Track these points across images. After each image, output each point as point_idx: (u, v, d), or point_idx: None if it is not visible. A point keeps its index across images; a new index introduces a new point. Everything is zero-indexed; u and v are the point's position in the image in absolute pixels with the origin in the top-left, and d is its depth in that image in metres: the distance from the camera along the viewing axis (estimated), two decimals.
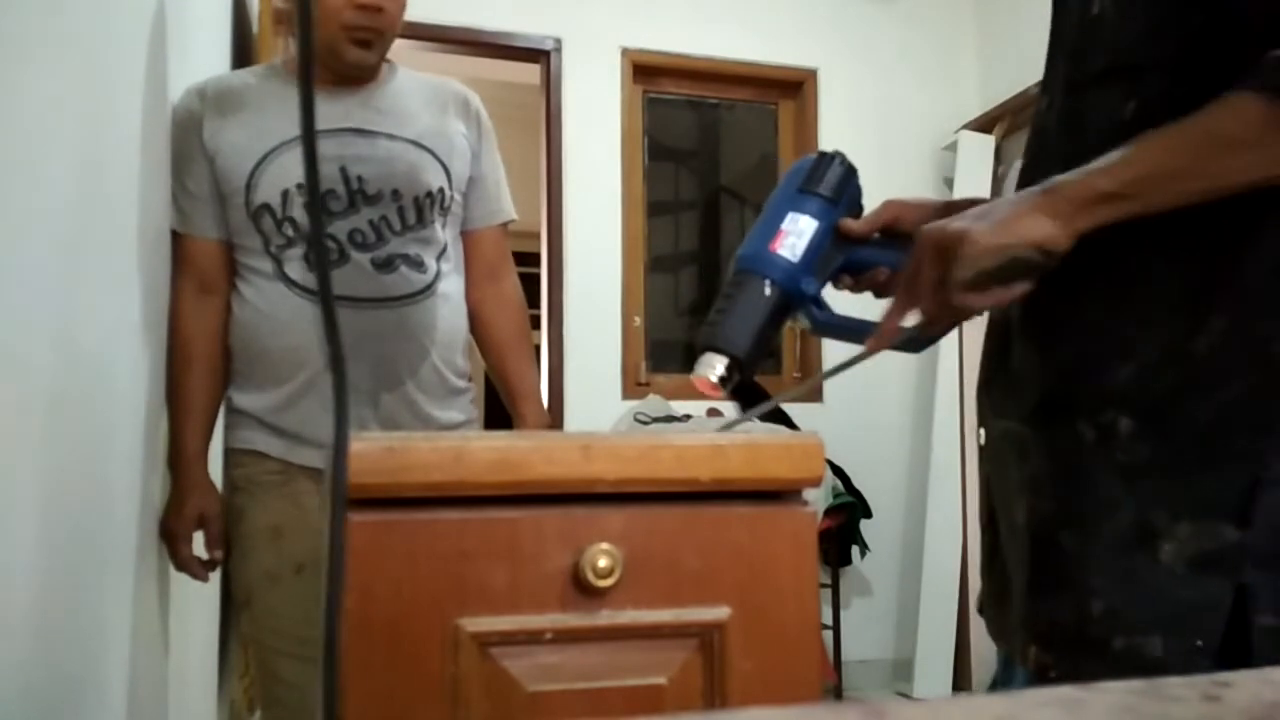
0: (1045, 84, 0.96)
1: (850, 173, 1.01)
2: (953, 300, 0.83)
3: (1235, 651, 0.76)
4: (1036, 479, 0.87)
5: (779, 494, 0.70)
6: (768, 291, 0.93)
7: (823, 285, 0.96)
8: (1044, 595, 0.85)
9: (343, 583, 0.58)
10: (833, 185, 0.99)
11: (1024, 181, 0.96)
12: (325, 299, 0.46)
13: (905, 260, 0.90)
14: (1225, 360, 0.79)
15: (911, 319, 0.88)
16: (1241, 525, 0.76)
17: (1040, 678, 0.85)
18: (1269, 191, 0.77)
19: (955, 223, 0.83)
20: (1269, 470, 0.76)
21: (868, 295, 1.01)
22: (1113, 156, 0.79)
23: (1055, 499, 0.85)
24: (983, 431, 0.98)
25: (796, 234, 0.95)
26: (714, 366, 0.92)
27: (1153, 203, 0.78)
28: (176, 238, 1.60)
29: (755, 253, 0.95)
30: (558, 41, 3.85)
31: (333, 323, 0.46)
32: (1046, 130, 0.95)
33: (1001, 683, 0.97)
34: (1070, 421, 0.84)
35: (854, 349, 0.93)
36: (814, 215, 0.96)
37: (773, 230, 0.96)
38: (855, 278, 1.01)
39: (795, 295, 0.94)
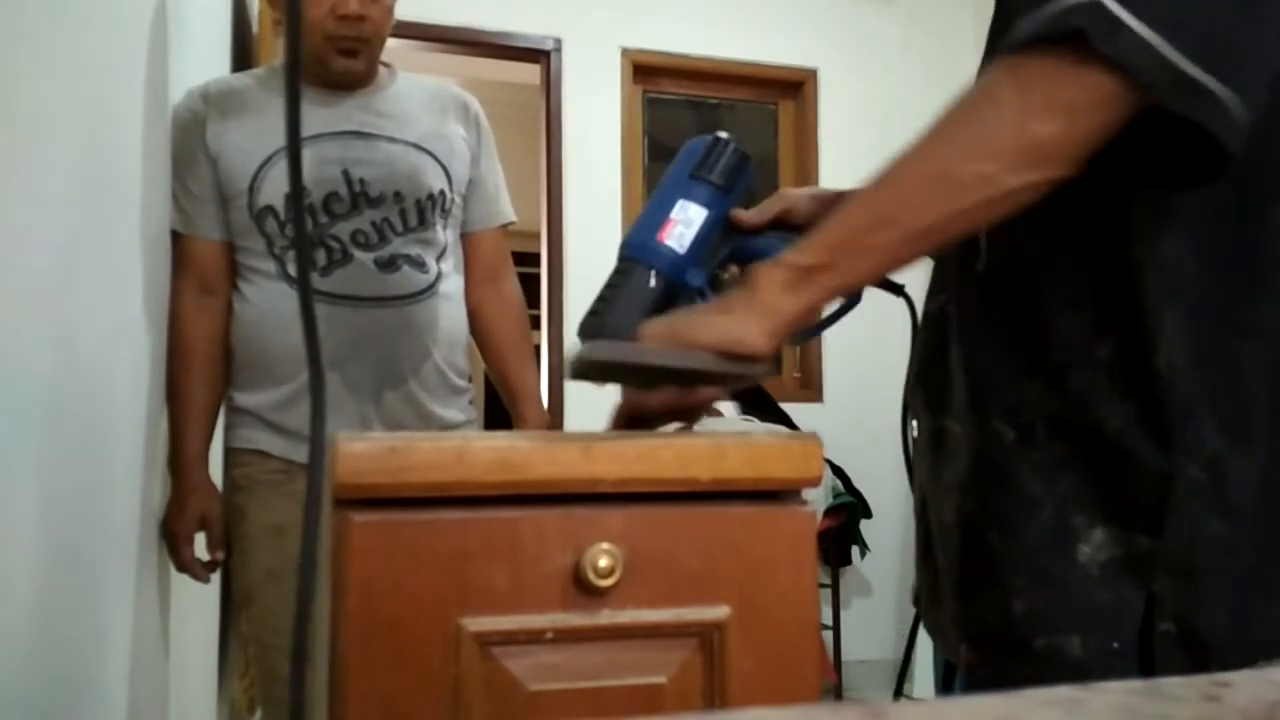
0: (980, 74, 0.95)
1: (743, 160, 0.98)
2: (628, 400, 0.82)
3: (1149, 655, 0.77)
4: (964, 478, 0.87)
5: (778, 494, 0.71)
6: (652, 283, 0.91)
7: (710, 275, 0.94)
8: (972, 595, 0.85)
9: (315, 576, 0.58)
10: (725, 173, 0.96)
11: None
12: (306, 305, 0.46)
13: None
14: (1124, 372, 0.78)
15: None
16: (1152, 534, 0.77)
17: (970, 677, 0.85)
18: (1164, 203, 0.77)
19: (658, 320, 0.80)
20: (1177, 483, 0.77)
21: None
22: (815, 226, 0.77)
23: (980, 498, 0.85)
24: (915, 425, 0.98)
25: (685, 223, 0.93)
26: None
27: (855, 269, 0.75)
28: (177, 238, 1.60)
29: (641, 242, 0.93)
30: (558, 41, 3.85)
31: (311, 325, 0.46)
32: None
33: (944, 679, 0.97)
34: (992, 421, 0.84)
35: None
36: (704, 204, 0.94)
37: (661, 219, 0.93)
38: (743, 267, 0.99)
39: (681, 287, 0.92)
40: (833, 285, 0.75)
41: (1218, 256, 0.78)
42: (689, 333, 0.76)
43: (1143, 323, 0.78)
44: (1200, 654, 0.76)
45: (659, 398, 0.81)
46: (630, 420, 0.83)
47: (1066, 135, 0.70)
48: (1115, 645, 0.77)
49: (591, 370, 0.79)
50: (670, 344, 0.77)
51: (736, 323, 0.75)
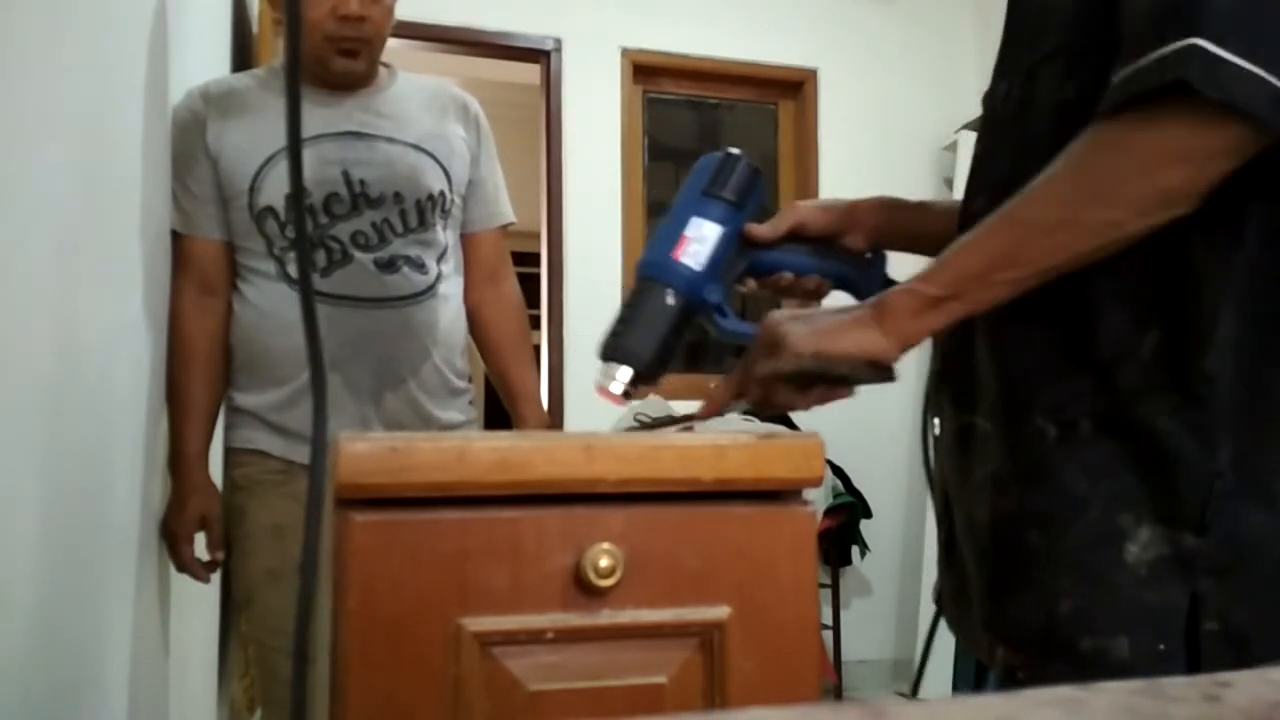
0: (1002, 70, 0.94)
1: (755, 174, 0.99)
2: (772, 394, 0.86)
3: (1195, 657, 0.76)
4: (999, 476, 0.86)
5: (779, 494, 0.71)
6: (670, 301, 0.92)
7: (727, 291, 0.95)
8: (1009, 596, 0.84)
9: (316, 576, 0.58)
10: (737, 188, 0.97)
11: (975, 171, 0.95)
12: (307, 307, 0.46)
13: (811, 264, 0.97)
14: (1168, 368, 0.78)
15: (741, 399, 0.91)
16: (1198, 534, 0.77)
17: (1009, 678, 0.84)
18: (1237, 209, 0.77)
19: (791, 323, 0.85)
20: (1223, 481, 0.76)
21: None
22: (940, 257, 0.82)
23: (1019, 497, 0.84)
24: (937, 423, 0.97)
25: (700, 240, 0.94)
26: (615, 378, 0.91)
27: (981, 300, 0.80)
28: (178, 238, 1.60)
29: (657, 261, 0.94)
30: (558, 41, 3.85)
31: (313, 326, 0.46)
32: (1000, 117, 0.93)
33: (965, 677, 0.97)
34: (1032, 418, 0.83)
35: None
36: (718, 221, 0.95)
37: (676, 237, 0.94)
38: (759, 280, 1.00)
39: (699, 304, 0.93)
40: (958, 313, 0.81)
41: (1273, 261, 0.78)
42: (837, 343, 0.83)
43: (1198, 322, 0.78)
44: (1244, 651, 0.75)
45: (811, 397, 0.87)
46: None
47: (1194, 180, 0.73)
48: (1162, 647, 0.76)
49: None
50: (818, 350, 0.83)
51: (875, 338, 0.83)
